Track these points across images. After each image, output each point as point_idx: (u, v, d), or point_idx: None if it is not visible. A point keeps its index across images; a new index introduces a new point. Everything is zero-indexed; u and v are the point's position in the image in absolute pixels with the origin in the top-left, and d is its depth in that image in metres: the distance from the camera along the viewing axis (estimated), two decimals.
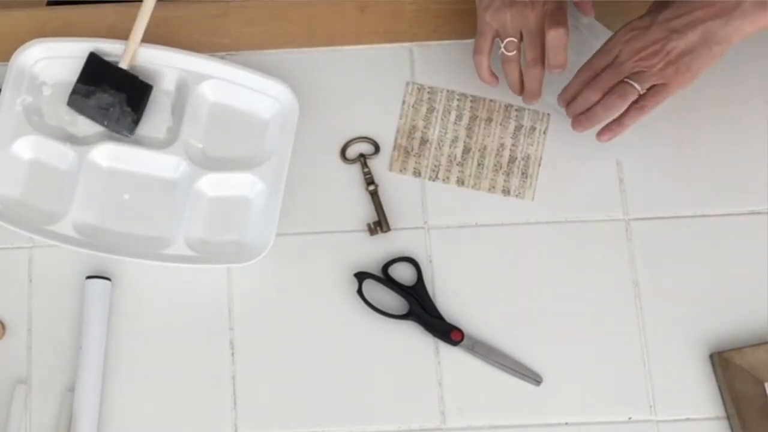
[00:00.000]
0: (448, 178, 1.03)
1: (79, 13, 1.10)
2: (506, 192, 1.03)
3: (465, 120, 1.05)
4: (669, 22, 0.90)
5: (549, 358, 0.98)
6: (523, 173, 1.03)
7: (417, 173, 1.03)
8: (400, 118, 1.05)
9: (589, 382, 0.98)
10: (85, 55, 1.02)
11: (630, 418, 0.97)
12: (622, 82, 0.92)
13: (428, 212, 1.03)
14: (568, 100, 0.96)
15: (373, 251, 1.01)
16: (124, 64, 1.02)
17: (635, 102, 0.93)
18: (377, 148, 1.04)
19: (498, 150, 1.04)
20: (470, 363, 0.98)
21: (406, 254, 1.01)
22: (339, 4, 1.09)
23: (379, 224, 1.01)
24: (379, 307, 0.99)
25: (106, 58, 1.03)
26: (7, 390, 0.98)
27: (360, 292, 0.99)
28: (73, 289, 1.00)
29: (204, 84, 1.04)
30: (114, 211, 1.02)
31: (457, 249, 1.02)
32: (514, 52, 0.97)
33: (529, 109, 1.05)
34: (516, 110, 1.05)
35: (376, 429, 0.97)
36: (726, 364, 0.96)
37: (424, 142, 1.04)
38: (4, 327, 0.99)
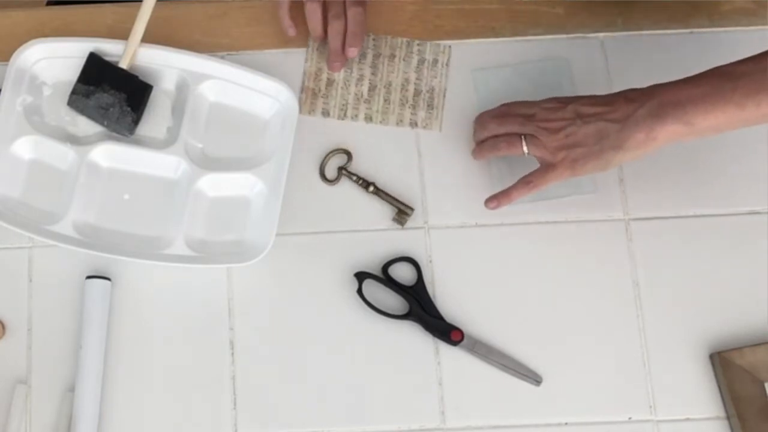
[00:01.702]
0: (356, 115, 1.05)
1: (79, 13, 1.10)
2: (414, 124, 1.05)
3: (369, 58, 1.07)
4: (582, 106, 0.94)
5: (549, 358, 0.98)
6: (428, 105, 1.05)
7: (326, 113, 1.05)
8: (306, 62, 1.07)
9: (589, 382, 0.98)
10: (85, 55, 1.02)
11: (630, 418, 0.97)
12: (517, 134, 0.96)
13: (428, 212, 1.03)
14: (478, 124, 1.01)
15: (373, 251, 1.01)
16: (124, 64, 1.02)
17: (525, 177, 0.96)
18: (349, 156, 1.04)
19: (403, 85, 1.06)
20: (470, 363, 0.98)
21: (406, 254, 1.01)
22: None
23: (402, 212, 1.01)
24: (379, 307, 0.99)
25: (106, 58, 1.03)
26: (7, 390, 0.97)
27: (360, 292, 0.99)
28: (73, 289, 1.00)
29: (204, 84, 1.04)
30: (114, 211, 1.02)
31: (457, 249, 1.02)
32: None
33: (430, 43, 1.07)
34: (418, 45, 1.07)
35: (376, 429, 0.97)
36: (726, 364, 0.96)
37: (330, 83, 1.06)
38: (4, 327, 0.99)
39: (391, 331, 0.99)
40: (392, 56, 1.07)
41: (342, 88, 1.06)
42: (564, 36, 1.08)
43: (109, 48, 1.03)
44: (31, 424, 0.97)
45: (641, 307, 1.00)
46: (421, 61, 1.07)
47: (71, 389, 0.97)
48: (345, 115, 1.05)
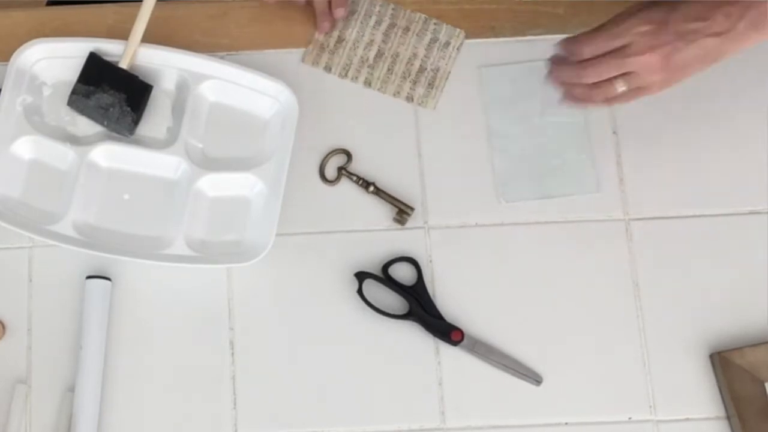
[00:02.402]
0: (356, 77, 1.06)
1: (79, 13, 1.10)
2: (410, 99, 1.06)
3: (383, 26, 1.08)
4: (680, 24, 0.89)
5: (549, 358, 0.98)
6: (429, 84, 1.06)
7: (328, 69, 1.07)
8: None
9: (589, 382, 0.98)
10: (85, 55, 1.02)
11: (630, 418, 0.97)
12: (619, 75, 0.91)
13: (428, 212, 1.03)
14: (561, 60, 0.95)
15: (373, 251, 1.01)
16: (124, 64, 1.02)
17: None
18: (349, 156, 1.04)
19: (410, 59, 1.07)
20: (470, 363, 0.98)
21: (406, 254, 1.01)
22: None
23: (402, 212, 1.01)
24: (379, 307, 0.99)
25: (106, 58, 1.03)
26: (7, 390, 0.98)
27: (360, 292, 0.99)
28: (73, 289, 1.00)
29: (204, 84, 1.04)
30: (114, 211, 1.02)
31: (457, 249, 1.02)
32: None
33: (447, 25, 1.08)
34: (434, 23, 1.08)
35: (376, 429, 0.97)
36: (726, 364, 0.96)
37: (340, 41, 1.07)
38: (4, 327, 0.99)
39: (391, 331, 0.99)
40: (407, 29, 1.08)
41: (350, 48, 1.07)
42: (564, 36, 1.08)
43: (109, 48, 1.03)
44: (31, 424, 0.97)
45: (641, 307, 1.00)
46: (434, 40, 1.07)
47: (71, 389, 0.97)
48: (346, 74, 1.06)
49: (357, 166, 1.04)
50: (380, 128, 1.05)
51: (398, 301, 1.00)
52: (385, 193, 1.02)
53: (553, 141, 1.04)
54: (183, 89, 1.04)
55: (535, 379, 0.98)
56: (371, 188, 1.02)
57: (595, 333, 0.99)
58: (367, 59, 1.07)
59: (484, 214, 1.02)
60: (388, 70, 1.06)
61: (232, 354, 0.99)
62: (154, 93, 1.03)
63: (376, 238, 1.02)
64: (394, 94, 1.06)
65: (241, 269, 1.01)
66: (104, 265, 1.00)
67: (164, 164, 1.02)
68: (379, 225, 1.02)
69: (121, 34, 1.03)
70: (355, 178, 1.03)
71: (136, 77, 1.02)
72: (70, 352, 0.98)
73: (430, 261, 1.01)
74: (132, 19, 1.01)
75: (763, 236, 1.01)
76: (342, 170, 1.04)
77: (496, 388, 0.98)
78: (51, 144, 1.01)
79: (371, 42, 1.07)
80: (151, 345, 0.99)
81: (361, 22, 1.08)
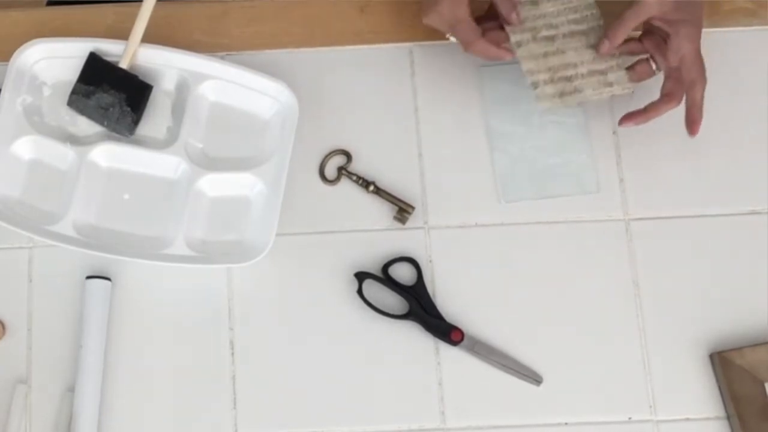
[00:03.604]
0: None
1: (79, 13, 1.10)
2: (535, 85, 0.99)
3: (580, 26, 1.02)
4: None
5: (549, 358, 0.98)
6: (561, 92, 0.99)
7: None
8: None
9: (589, 382, 0.98)
10: (85, 55, 1.02)
11: (630, 418, 0.97)
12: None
13: (428, 212, 1.03)
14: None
15: (373, 251, 1.01)
16: (124, 64, 1.02)
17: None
18: (349, 156, 1.04)
19: (568, 65, 1.00)
20: (470, 363, 0.98)
21: (406, 254, 1.01)
22: (339, 4, 1.09)
23: (403, 210, 1.01)
24: (379, 307, 0.99)
25: (106, 58, 1.03)
26: (7, 390, 0.98)
27: (360, 292, 0.99)
28: (73, 289, 1.00)
29: (204, 84, 1.04)
30: (114, 211, 1.02)
31: (457, 249, 1.02)
32: None
33: (625, 72, 1.01)
34: (620, 61, 1.01)
35: (376, 429, 0.97)
36: (726, 364, 0.96)
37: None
38: (4, 327, 0.99)
39: (391, 331, 0.99)
40: (586, 37, 1.01)
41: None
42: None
43: (109, 48, 1.03)
44: (31, 424, 0.97)
45: (641, 307, 1.00)
46: (602, 72, 1.01)
47: (71, 389, 0.97)
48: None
49: (357, 166, 1.04)
50: (380, 128, 1.06)
51: (398, 301, 1.00)
52: (385, 192, 1.02)
53: (553, 141, 1.04)
54: (183, 89, 1.04)
55: (535, 379, 0.98)
56: (371, 188, 1.02)
57: (595, 333, 0.99)
58: (539, 30, 1.00)
59: (484, 214, 1.02)
60: (545, 53, 1.00)
61: (232, 354, 0.99)
62: (154, 93, 1.03)
63: (376, 238, 1.02)
64: (527, 72, 0.99)
65: (241, 269, 1.01)
66: (104, 265, 1.00)
67: (164, 164, 1.02)
68: (379, 225, 1.02)
69: (121, 34, 1.03)
70: (355, 177, 1.03)
71: (136, 77, 1.02)
72: (70, 352, 0.98)
73: (430, 261, 1.01)
74: (132, 19, 1.01)
75: (763, 236, 1.01)
76: (342, 170, 1.04)
77: (496, 388, 0.98)
78: (51, 144, 1.01)
79: (558, 26, 1.01)
80: (151, 345, 0.99)
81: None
